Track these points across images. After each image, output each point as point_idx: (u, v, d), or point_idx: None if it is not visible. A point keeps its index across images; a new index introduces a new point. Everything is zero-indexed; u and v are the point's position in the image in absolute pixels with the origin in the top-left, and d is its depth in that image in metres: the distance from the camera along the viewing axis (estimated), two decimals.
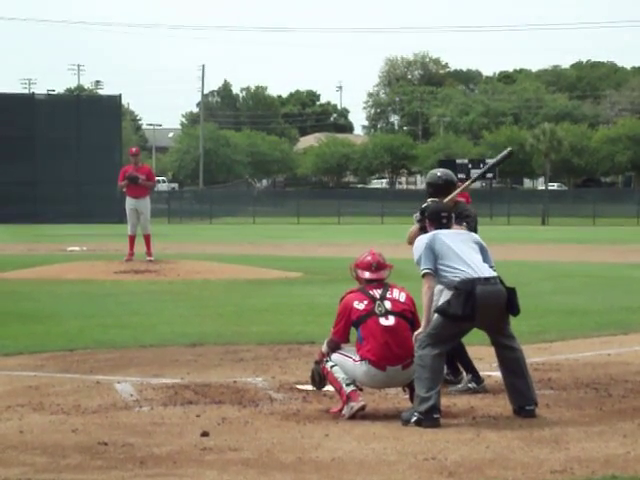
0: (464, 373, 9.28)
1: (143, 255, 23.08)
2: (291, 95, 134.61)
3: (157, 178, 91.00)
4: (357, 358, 8.16)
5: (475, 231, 8.96)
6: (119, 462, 6.76)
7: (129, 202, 22.96)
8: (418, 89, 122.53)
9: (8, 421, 8.02)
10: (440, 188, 9.12)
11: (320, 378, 8.43)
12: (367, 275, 8.41)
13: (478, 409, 8.37)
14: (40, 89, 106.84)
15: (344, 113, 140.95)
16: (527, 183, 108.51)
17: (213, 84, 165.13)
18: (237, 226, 60.39)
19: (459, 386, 9.18)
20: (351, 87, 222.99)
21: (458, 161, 76.48)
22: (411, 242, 9.08)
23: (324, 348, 8.42)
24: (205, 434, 7.47)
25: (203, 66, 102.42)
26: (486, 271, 8.09)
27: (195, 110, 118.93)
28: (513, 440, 7.29)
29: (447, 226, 8.47)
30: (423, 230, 8.66)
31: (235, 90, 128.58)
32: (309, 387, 9.19)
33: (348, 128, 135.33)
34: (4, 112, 59.31)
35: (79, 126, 60.02)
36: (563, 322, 14.16)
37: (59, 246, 33.03)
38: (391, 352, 8.05)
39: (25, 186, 57.91)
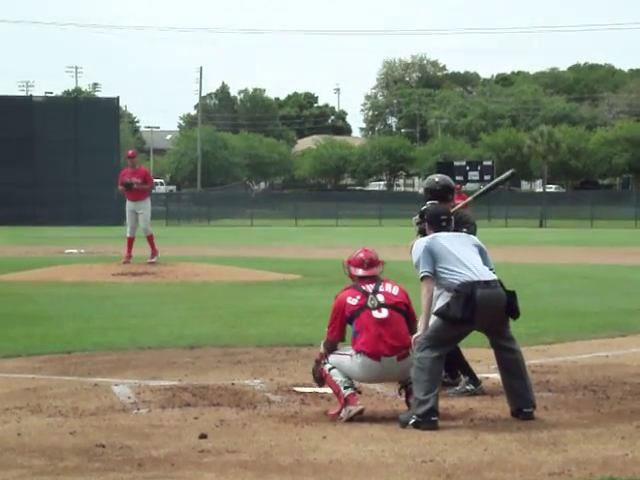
0: (461, 375, 9.28)
1: (141, 258, 23.08)
2: (289, 97, 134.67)
3: (155, 180, 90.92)
4: (353, 352, 8.20)
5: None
6: (117, 464, 6.76)
7: (128, 205, 23.08)
8: (416, 91, 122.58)
9: (6, 424, 8.02)
10: (438, 193, 9.12)
11: (318, 378, 8.45)
12: (360, 272, 8.45)
13: (476, 411, 8.37)
14: (38, 91, 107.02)
15: (342, 115, 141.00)
16: (525, 185, 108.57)
17: (211, 86, 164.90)
18: (235, 228, 60.38)
19: (457, 388, 9.18)
20: (349, 89, 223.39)
21: (456, 163, 76.51)
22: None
23: (322, 349, 8.44)
24: (203, 436, 7.46)
25: (201, 68, 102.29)
26: (486, 274, 8.09)
27: (193, 112, 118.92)
28: (511, 442, 7.29)
29: (446, 229, 8.46)
30: (422, 233, 8.66)
31: (233, 92, 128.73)
32: (307, 389, 9.20)
33: (346, 130, 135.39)
34: (2, 114, 59.30)
35: (77, 128, 59.99)
36: (561, 324, 14.16)
37: (57, 248, 33.02)
38: (385, 343, 8.09)
39: (23, 188, 57.87)
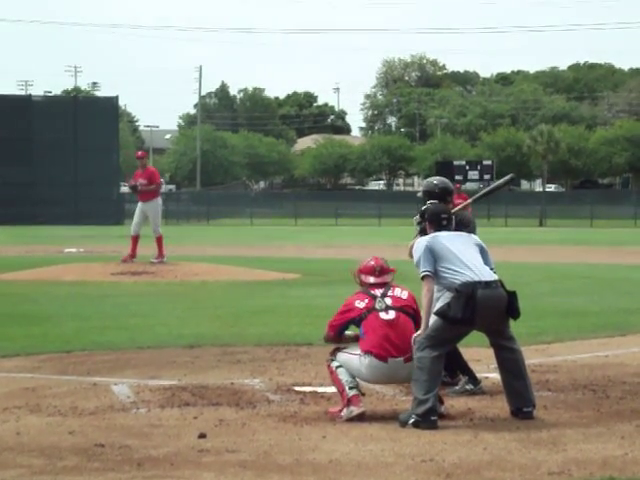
0: (461, 375, 9.27)
1: (143, 258, 23.08)
2: (288, 97, 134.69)
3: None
4: (361, 353, 8.20)
5: None
6: (116, 464, 6.75)
7: (139, 204, 23.12)
8: (415, 91, 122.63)
9: (5, 423, 8.01)
10: (437, 196, 9.12)
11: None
12: (371, 280, 8.46)
13: (476, 411, 8.37)
14: (37, 90, 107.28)
15: (341, 115, 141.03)
16: (525, 185, 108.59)
17: (210, 86, 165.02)
18: (234, 228, 60.39)
19: (456, 388, 9.17)
20: (348, 89, 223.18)
21: (455, 163, 76.61)
22: (411, 255, 9.07)
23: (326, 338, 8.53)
24: (202, 436, 7.46)
25: (200, 67, 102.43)
26: (487, 274, 8.07)
27: (192, 112, 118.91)
28: (511, 442, 7.28)
29: (447, 227, 8.45)
30: (423, 232, 8.64)
31: (232, 92, 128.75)
32: (306, 389, 9.20)
33: (345, 130, 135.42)
34: (1, 114, 59.32)
35: (76, 128, 59.99)
36: (561, 323, 14.16)
37: (56, 248, 33.02)
38: (392, 344, 8.09)
39: (22, 187, 57.88)
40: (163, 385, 9.57)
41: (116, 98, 64.51)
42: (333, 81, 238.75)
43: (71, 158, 59.69)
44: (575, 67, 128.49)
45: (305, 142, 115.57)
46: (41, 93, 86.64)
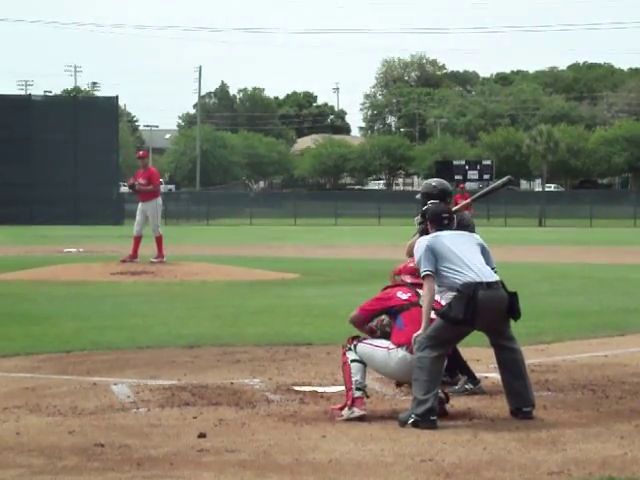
0: (460, 375, 9.27)
1: (144, 257, 23.10)
2: (288, 96, 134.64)
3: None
4: (392, 346, 8.11)
5: None
6: (116, 464, 6.76)
7: (139, 204, 23.14)
8: (415, 90, 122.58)
9: (4, 423, 8.01)
10: (435, 198, 9.13)
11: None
12: (409, 279, 8.47)
13: (475, 410, 8.37)
14: (37, 90, 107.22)
15: (341, 114, 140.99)
16: (524, 184, 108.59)
17: (210, 85, 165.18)
18: (234, 227, 60.39)
19: (456, 387, 9.17)
20: (348, 88, 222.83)
21: (455, 162, 76.65)
22: (409, 254, 9.08)
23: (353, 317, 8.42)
24: (202, 436, 7.46)
25: (200, 67, 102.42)
26: (488, 275, 8.07)
27: (192, 111, 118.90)
28: (510, 442, 7.28)
29: (448, 227, 8.46)
30: (424, 232, 8.64)
31: (232, 91, 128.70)
32: (306, 388, 9.20)
33: (345, 129, 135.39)
34: (1, 113, 59.32)
35: (76, 127, 60.00)
36: (560, 323, 14.16)
37: (56, 248, 33.02)
38: None
39: (22, 187, 57.89)
40: (163, 385, 9.57)
41: (116, 98, 64.53)
42: (333, 81, 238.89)
43: (71, 158, 59.68)
44: (574, 67, 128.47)
45: (305, 142, 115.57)
46: (41, 93, 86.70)
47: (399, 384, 8.45)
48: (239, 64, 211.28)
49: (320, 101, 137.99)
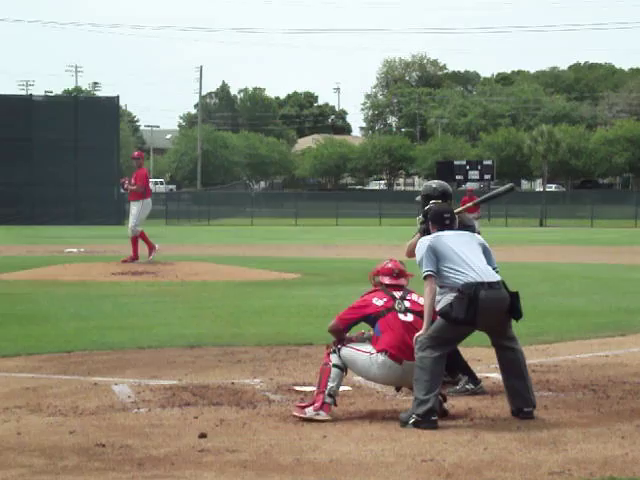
0: (461, 374, 9.27)
1: (145, 258, 23.12)
2: (289, 97, 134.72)
3: (155, 180, 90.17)
4: (374, 351, 8.15)
5: None
6: (117, 464, 6.76)
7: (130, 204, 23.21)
8: (416, 90, 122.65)
9: (5, 423, 8.01)
10: (436, 199, 9.13)
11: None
12: (387, 281, 8.45)
13: (476, 411, 8.37)
14: (38, 90, 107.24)
15: (342, 115, 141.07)
16: (525, 184, 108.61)
17: (211, 85, 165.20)
18: (235, 227, 60.41)
19: (457, 387, 9.17)
20: (349, 89, 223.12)
21: (456, 162, 76.55)
22: (409, 254, 9.07)
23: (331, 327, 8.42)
24: (203, 436, 7.46)
25: (201, 67, 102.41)
26: (490, 275, 8.06)
27: (193, 111, 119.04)
28: (511, 442, 7.28)
29: (450, 227, 8.45)
30: (426, 232, 8.64)
31: (233, 92, 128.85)
32: (307, 388, 9.20)
33: (346, 129, 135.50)
34: (2, 113, 59.32)
35: (77, 128, 59.99)
36: (561, 323, 14.16)
37: (57, 248, 33.02)
38: (408, 347, 8.07)
39: (23, 187, 57.90)
40: (164, 385, 9.57)
41: (117, 98, 64.52)
42: (333, 81, 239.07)
43: (72, 158, 59.69)
44: (575, 67, 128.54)
45: (305, 142, 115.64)
46: (42, 93, 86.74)
47: (398, 388, 8.45)
48: (240, 64, 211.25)
49: (321, 101, 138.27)
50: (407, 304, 8.28)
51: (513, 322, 8.28)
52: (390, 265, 8.55)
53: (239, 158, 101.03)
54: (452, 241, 8.22)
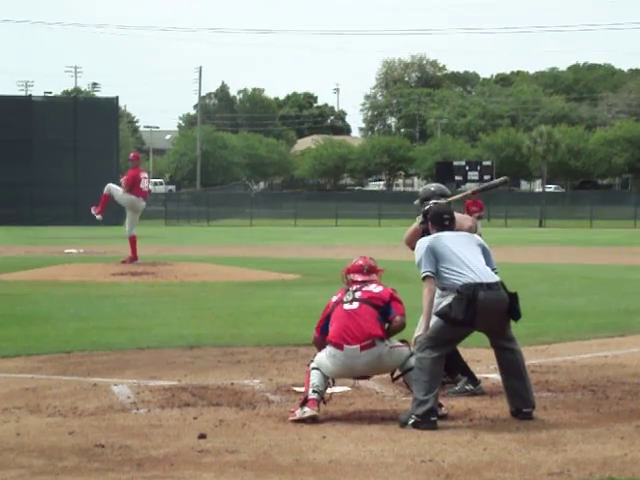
0: (459, 375, 9.28)
1: (143, 258, 23.13)
2: (288, 97, 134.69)
3: (155, 180, 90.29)
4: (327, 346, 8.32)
5: None
6: (116, 464, 6.76)
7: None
8: (415, 91, 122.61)
9: (5, 423, 8.01)
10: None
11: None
12: (359, 278, 8.50)
13: (475, 411, 8.37)
14: (37, 91, 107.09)
15: (341, 115, 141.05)
16: (524, 185, 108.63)
17: (210, 86, 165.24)
18: (234, 228, 60.40)
19: (456, 388, 9.18)
20: (348, 89, 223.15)
21: (455, 163, 76.55)
22: (409, 242, 9.09)
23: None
24: (202, 436, 7.46)
25: (200, 68, 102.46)
26: (489, 276, 8.07)
27: (192, 112, 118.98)
28: (511, 442, 7.28)
29: (449, 227, 8.45)
30: (426, 233, 8.65)
31: (232, 92, 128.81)
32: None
33: (345, 130, 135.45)
34: (1, 114, 59.31)
35: (76, 128, 59.99)
36: (560, 324, 14.16)
37: (56, 248, 33.03)
38: (349, 333, 8.16)
39: (22, 188, 57.88)
40: (163, 386, 9.57)
41: (116, 99, 64.54)
42: (333, 82, 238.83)
43: (71, 159, 59.68)
44: (574, 68, 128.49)
45: (305, 143, 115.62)
46: (41, 94, 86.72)
47: (394, 378, 8.44)
48: (239, 65, 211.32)
49: (320, 102, 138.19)
50: (357, 294, 8.36)
51: (512, 323, 8.29)
52: (360, 262, 8.64)
53: (238, 159, 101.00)
54: (451, 242, 8.23)
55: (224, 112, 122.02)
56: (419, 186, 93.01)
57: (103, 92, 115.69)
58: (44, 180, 58.39)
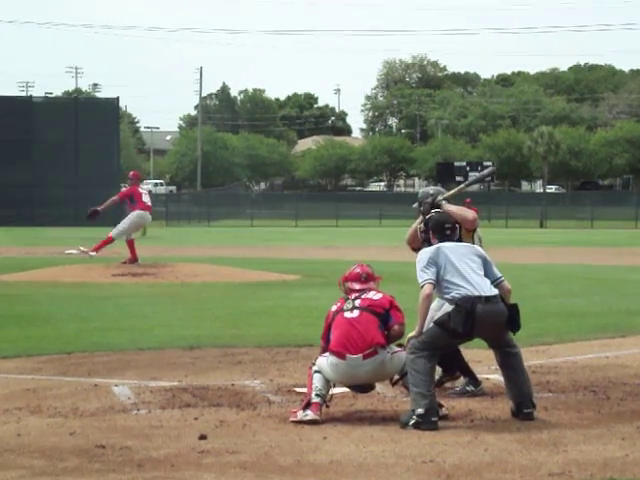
0: (462, 376, 9.28)
1: (143, 259, 23.12)
2: (289, 98, 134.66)
3: (155, 181, 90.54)
4: (326, 353, 8.30)
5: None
6: (117, 465, 6.75)
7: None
8: (416, 92, 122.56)
9: (6, 424, 8.01)
10: (432, 206, 9.14)
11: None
12: (357, 287, 8.51)
13: (476, 412, 8.36)
14: (38, 92, 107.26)
15: (342, 116, 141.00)
16: (525, 186, 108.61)
17: (211, 87, 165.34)
18: (235, 229, 60.40)
19: (457, 389, 9.18)
20: (349, 90, 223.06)
21: (456, 164, 76.68)
22: (411, 241, 9.09)
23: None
24: (203, 437, 7.46)
25: (201, 69, 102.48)
26: (487, 289, 8.08)
27: (193, 113, 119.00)
28: (511, 443, 7.28)
29: (451, 238, 8.45)
30: (427, 242, 8.64)
31: (233, 93, 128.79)
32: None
33: (346, 131, 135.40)
34: (2, 115, 59.30)
35: (77, 129, 59.99)
36: (561, 325, 14.16)
37: (57, 249, 33.00)
38: (351, 342, 8.15)
39: (23, 189, 57.88)
40: (164, 386, 9.57)
41: (117, 99, 64.52)
42: (334, 82, 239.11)
43: (72, 159, 59.69)
44: (575, 68, 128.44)
45: (306, 143, 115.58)
46: (42, 94, 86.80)
47: (394, 383, 8.44)
48: (240, 65, 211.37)
49: (321, 102, 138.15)
50: (357, 302, 8.36)
51: None
52: (358, 270, 8.63)
53: (239, 159, 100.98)
54: (452, 253, 8.23)
55: (225, 113, 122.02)
56: (420, 187, 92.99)
57: (104, 93, 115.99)
58: (44, 181, 58.39)
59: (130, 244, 23.09)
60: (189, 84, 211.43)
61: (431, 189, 9.49)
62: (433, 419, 7.75)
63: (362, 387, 8.48)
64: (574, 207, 72.85)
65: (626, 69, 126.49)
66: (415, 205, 9.41)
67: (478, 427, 7.81)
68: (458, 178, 69.71)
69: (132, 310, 15.96)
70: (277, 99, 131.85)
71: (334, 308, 8.46)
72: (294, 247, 37.58)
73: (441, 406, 8.11)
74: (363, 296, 8.40)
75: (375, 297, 8.37)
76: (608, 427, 7.75)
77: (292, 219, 67.69)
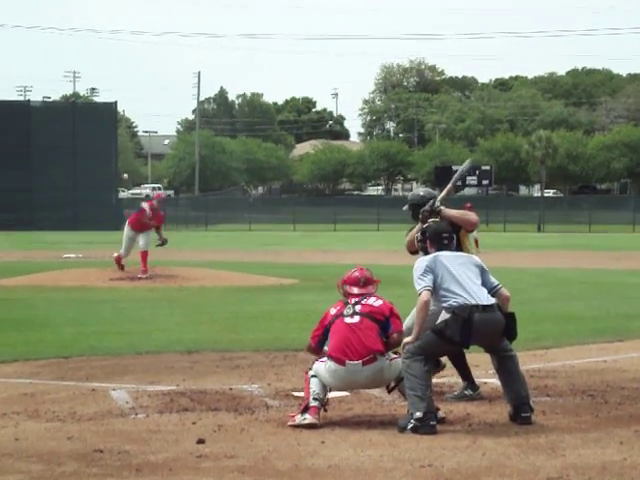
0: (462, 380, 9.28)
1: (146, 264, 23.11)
2: (287, 102, 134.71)
3: (153, 185, 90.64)
4: (324, 358, 8.27)
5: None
6: (115, 470, 6.75)
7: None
8: (414, 96, 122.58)
9: (3, 428, 8.00)
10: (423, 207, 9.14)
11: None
12: (355, 290, 8.50)
13: (474, 416, 8.36)
14: (36, 96, 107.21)
15: (340, 120, 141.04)
16: (523, 190, 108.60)
17: (209, 91, 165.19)
18: (233, 233, 60.39)
19: (455, 393, 9.18)
20: (347, 94, 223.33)
21: (454, 168, 76.49)
22: (410, 247, 9.09)
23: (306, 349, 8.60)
24: (201, 441, 7.45)
25: (199, 73, 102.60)
26: (484, 298, 8.09)
27: (191, 117, 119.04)
28: (509, 447, 7.28)
29: (448, 247, 8.46)
30: (424, 251, 8.64)
31: (231, 97, 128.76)
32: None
33: (344, 135, 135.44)
34: (0, 119, 59.33)
35: (75, 133, 60.04)
36: (559, 329, 14.16)
37: (55, 253, 33.03)
38: (350, 348, 8.13)
39: (21, 193, 57.95)
40: (162, 390, 9.57)
41: (115, 104, 64.62)
42: (331, 86, 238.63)
43: (70, 163, 59.73)
44: (573, 73, 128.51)
45: (303, 147, 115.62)
46: (40, 99, 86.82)
47: (390, 390, 8.44)
48: (238, 70, 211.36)
49: (319, 107, 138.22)
50: (358, 307, 8.33)
51: None
52: (357, 274, 8.60)
53: (237, 163, 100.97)
54: (449, 262, 8.25)
55: (223, 117, 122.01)
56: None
57: (102, 97, 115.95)
58: (43, 185, 58.45)
59: (143, 256, 22.86)
60: (187, 88, 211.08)
61: (421, 191, 9.48)
62: (431, 423, 7.75)
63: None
64: (572, 211, 72.88)
65: (624, 73, 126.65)
66: (405, 208, 9.40)
67: (476, 431, 7.81)
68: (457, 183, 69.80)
69: (130, 314, 15.96)
70: (275, 103, 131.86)
71: (333, 311, 8.43)
72: (292, 251, 37.59)
73: (437, 409, 8.11)
74: (363, 302, 8.38)
75: (376, 304, 8.36)
76: (606, 431, 7.75)
77: (290, 223, 67.72)
